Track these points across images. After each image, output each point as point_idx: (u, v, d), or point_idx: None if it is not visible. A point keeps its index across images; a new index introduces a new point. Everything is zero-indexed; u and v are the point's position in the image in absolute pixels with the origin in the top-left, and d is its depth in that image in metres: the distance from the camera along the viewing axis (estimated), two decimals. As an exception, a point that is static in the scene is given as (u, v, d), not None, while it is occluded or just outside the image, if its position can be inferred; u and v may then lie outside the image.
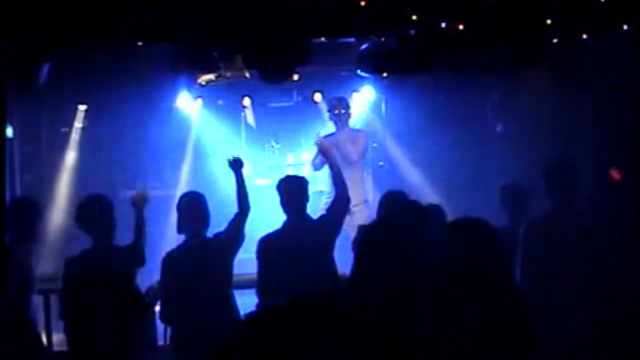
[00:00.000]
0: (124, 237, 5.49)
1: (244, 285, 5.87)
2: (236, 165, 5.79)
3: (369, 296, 3.68)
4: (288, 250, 5.40)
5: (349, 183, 6.57)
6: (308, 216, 5.67)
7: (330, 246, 5.59)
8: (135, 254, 5.31)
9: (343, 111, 8.36)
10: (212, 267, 5.30)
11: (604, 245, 5.16)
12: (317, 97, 9.89)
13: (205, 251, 5.33)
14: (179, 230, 5.48)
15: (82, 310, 4.89)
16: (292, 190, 5.60)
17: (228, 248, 5.41)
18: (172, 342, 5.43)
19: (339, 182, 5.71)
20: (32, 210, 5.43)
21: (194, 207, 5.42)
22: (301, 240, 5.42)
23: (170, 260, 5.42)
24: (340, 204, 5.66)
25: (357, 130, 8.72)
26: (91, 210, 5.14)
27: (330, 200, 6.09)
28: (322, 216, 5.73)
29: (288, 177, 5.94)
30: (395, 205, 5.20)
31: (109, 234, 5.14)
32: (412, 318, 3.67)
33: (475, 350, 3.57)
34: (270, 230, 5.70)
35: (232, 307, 5.37)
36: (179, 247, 5.52)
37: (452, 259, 3.77)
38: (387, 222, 4.87)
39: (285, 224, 5.60)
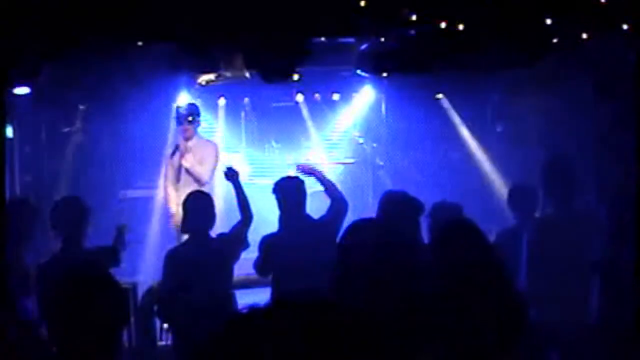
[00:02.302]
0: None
1: (243, 285, 5.88)
2: (231, 175, 5.79)
3: (353, 295, 3.67)
4: (288, 250, 5.40)
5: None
6: (308, 216, 5.68)
7: (329, 247, 5.59)
8: (111, 255, 5.29)
9: (191, 119, 7.83)
10: (213, 267, 5.30)
11: (604, 244, 5.17)
12: (317, 97, 9.90)
13: (208, 251, 5.33)
14: (183, 229, 5.50)
15: (59, 314, 4.89)
16: (289, 191, 5.61)
17: (230, 252, 5.43)
18: (173, 342, 5.43)
19: (333, 193, 5.74)
20: (32, 210, 5.43)
21: (199, 207, 5.44)
22: (302, 239, 5.43)
23: (172, 258, 5.43)
24: (338, 207, 5.67)
25: (206, 142, 8.19)
26: (65, 213, 5.11)
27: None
28: (322, 217, 5.74)
29: (283, 178, 5.95)
30: (394, 203, 5.20)
31: (81, 236, 5.11)
32: (399, 317, 3.67)
33: (464, 350, 3.57)
34: (271, 230, 5.71)
35: (232, 306, 5.37)
36: (182, 245, 5.53)
37: (439, 260, 3.77)
38: (377, 220, 4.87)
39: (286, 225, 5.61)
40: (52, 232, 5.10)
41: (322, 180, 5.87)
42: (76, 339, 4.82)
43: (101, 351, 4.83)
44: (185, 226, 5.48)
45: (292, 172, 8.55)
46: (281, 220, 5.69)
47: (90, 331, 4.84)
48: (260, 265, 5.55)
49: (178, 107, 8.10)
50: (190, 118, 7.84)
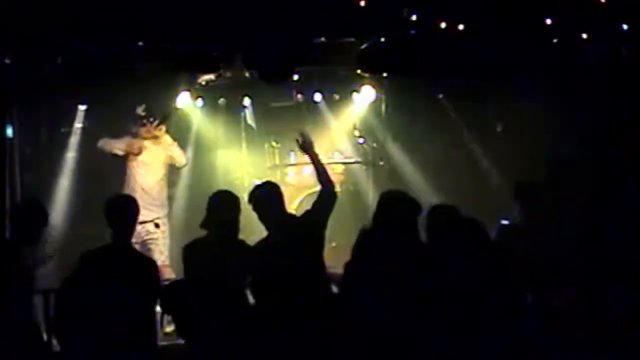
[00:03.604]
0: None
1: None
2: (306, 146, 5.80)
3: (361, 296, 3.68)
4: (279, 252, 5.38)
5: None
6: (291, 216, 5.64)
7: (318, 241, 5.54)
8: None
9: (145, 122, 8.06)
10: (229, 267, 5.28)
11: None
12: (317, 97, 9.89)
13: (224, 251, 5.32)
14: (202, 225, 5.49)
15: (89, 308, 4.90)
16: (266, 199, 5.54)
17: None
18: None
19: (324, 179, 5.65)
20: (35, 211, 5.43)
21: (220, 207, 5.45)
22: (290, 239, 5.40)
23: (189, 251, 5.45)
24: (326, 199, 5.61)
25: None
26: (121, 209, 5.17)
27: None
28: (306, 212, 5.68)
29: (257, 187, 5.86)
30: (393, 203, 5.19)
31: (130, 232, 5.17)
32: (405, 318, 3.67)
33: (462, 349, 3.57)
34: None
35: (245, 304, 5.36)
36: (200, 240, 5.52)
37: (440, 259, 3.77)
38: (384, 226, 4.86)
39: (270, 229, 5.56)
40: (107, 225, 5.14)
41: (315, 161, 5.76)
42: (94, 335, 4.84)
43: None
44: (204, 223, 5.48)
45: (292, 171, 8.59)
46: (266, 226, 5.62)
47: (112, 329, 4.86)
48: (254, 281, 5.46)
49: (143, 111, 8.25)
50: (144, 121, 8.06)
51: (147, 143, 8.09)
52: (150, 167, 8.10)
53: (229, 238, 5.43)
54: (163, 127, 8.12)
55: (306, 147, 5.80)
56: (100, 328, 4.85)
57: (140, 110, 8.08)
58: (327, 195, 5.59)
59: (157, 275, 5.18)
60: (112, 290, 4.85)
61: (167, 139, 8.14)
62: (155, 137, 8.08)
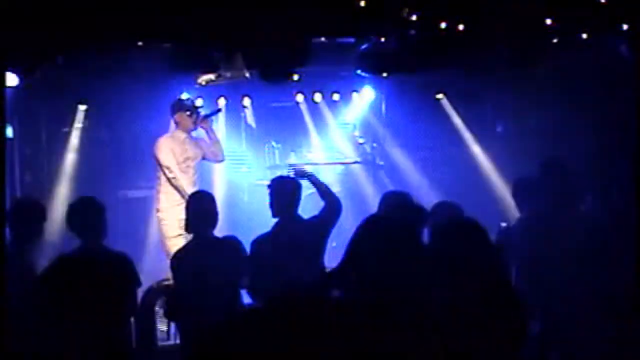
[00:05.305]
0: (122, 237, 5.47)
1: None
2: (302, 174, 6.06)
3: (356, 292, 3.68)
4: (278, 250, 5.40)
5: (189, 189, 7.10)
6: (299, 216, 5.68)
7: (320, 247, 5.58)
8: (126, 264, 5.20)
9: (194, 114, 7.76)
10: (219, 267, 5.27)
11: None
12: (317, 97, 9.90)
13: (213, 251, 5.31)
14: (187, 230, 5.49)
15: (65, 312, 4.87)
16: (283, 191, 5.61)
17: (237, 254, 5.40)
18: (180, 341, 5.43)
19: (327, 196, 5.75)
20: (35, 211, 5.42)
21: (201, 207, 5.43)
22: (292, 240, 5.42)
23: (179, 259, 5.44)
24: (332, 209, 5.68)
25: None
26: (82, 213, 5.10)
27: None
28: (313, 217, 5.73)
29: (280, 177, 5.96)
30: (394, 204, 5.21)
31: (99, 237, 5.09)
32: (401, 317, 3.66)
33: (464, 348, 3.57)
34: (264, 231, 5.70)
35: (239, 305, 5.36)
36: (187, 246, 5.53)
37: (442, 259, 3.77)
38: (381, 220, 4.85)
39: (277, 225, 5.61)
40: (70, 232, 5.07)
41: (316, 182, 5.90)
42: (87, 329, 4.82)
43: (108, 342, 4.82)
44: (187, 226, 5.47)
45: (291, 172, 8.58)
46: (274, 213, 5.67)
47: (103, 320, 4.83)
48: (250, 279, 5.43)
49: (189, 99, 8.14)
50: (190, 112, 7.80)
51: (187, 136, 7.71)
52: (191, 161, 7.66)
53: (212, 238, 5.41)
54: (208, 121, 7.93)
55: (301, 175, 6.01)
56: (79, 327, 4.83)
57: (184, 97, 7.95)
58: (331, 207, 5.68)
59: (132, 269, 5.10)
60: (85, 291, 4.81)
61: (211, 134, 7.91)
62: (203, 129, 7.83)
